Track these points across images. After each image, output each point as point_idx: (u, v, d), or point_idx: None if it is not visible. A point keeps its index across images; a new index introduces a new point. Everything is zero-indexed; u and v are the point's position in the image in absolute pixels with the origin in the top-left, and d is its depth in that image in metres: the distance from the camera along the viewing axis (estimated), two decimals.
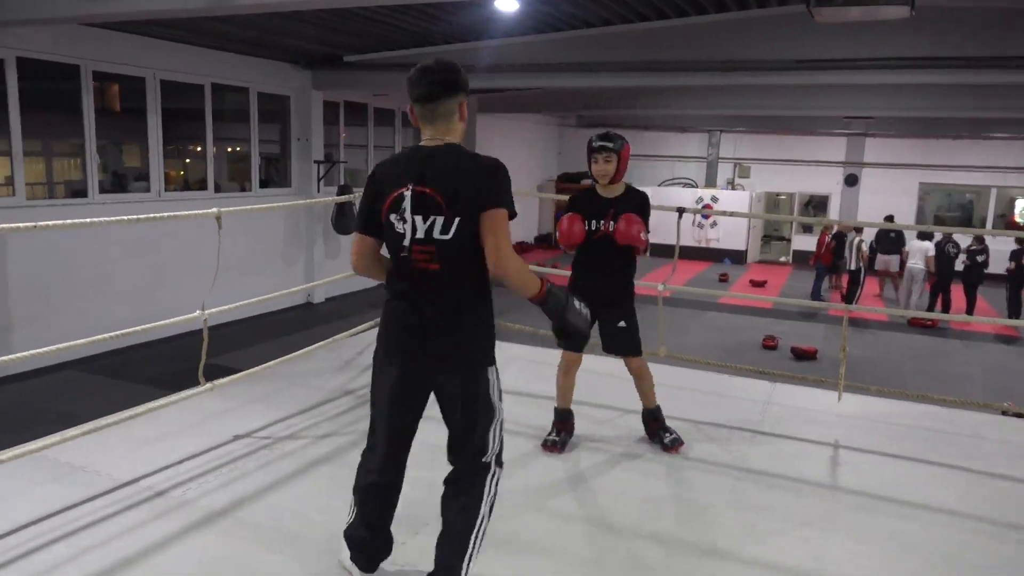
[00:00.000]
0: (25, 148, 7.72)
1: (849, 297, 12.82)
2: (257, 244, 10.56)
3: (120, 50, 8.41)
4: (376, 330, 2.51)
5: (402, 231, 2.32)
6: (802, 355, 9.72)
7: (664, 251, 18.57)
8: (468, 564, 2.38)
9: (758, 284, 15.71)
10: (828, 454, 4.01)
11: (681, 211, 4.72)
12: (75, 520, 2.98)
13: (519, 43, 9.65)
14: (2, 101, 7.42)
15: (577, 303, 2.51)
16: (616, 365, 5.43)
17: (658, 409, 4.00)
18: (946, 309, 12.74)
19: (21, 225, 3.03)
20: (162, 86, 9.03)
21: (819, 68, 9.16)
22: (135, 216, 3.42)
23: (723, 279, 16.14)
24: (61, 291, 7.98)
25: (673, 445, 3.89)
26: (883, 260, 14.21)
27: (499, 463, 2.51)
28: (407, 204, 2.31)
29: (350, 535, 2.63)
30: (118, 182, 9.17)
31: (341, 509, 3.13)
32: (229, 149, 11.14)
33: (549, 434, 3.93)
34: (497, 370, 2.48)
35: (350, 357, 5.35)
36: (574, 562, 2.84)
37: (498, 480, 2.49)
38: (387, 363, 2.44)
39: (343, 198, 7.13)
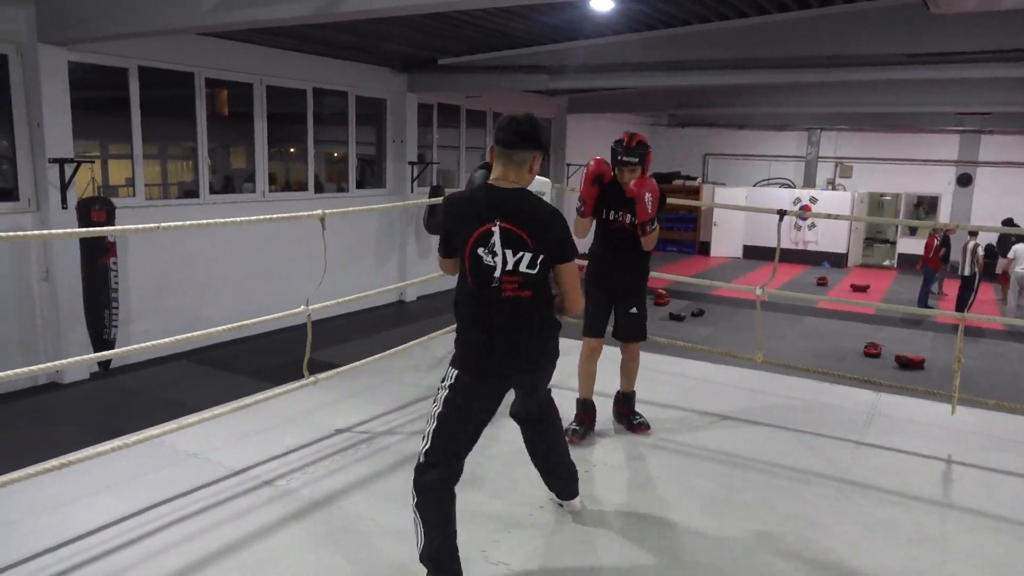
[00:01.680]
0: (144, 152, 8.25)
1: (961, 304, 12.07)
2: (353, 243, 10.91)
3: (231, 58, 8.86)
4: None
5: (492, 264, 2.56)
6: (908, 364, 9.21)
7: (759, 253, 18.15)
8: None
9: (860, 289, 15.00)
10: (940, 469, 3.79)
11: (782, 214, 4.57)
12: (190, 505, 3.16)
13: (612, 42, 9.58)
14: (124, 107, 7.94)
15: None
16: (710, 371, 5.33)
17: (633, 394, 4.23)
18: None
19: (144, 227, 3.24)
20: (267, 91, 9.45)
21: (931, 62, 8.67)
22: (246, 217, 3.60)
23: (822, 283, 15.50)
24: (175, 286, 8.47)
25: (640, 428, 4.11)
26: (1003, 263, 13.32)
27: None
28: (496, 239, 2.55)
29: (438, 557, 2.59)
30: (226, 183, 9.67)
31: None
32: (328, 151, 11.55)
33: (571, 423, 3.98)
34: None
35: (443, 355, 5.45)
36: (666, 571, 2.80)
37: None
38: (479, 381, 2.64)
39: (436, 200, 7.29)
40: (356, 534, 2.98)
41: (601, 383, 4.06)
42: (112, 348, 7.32)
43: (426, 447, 2.62)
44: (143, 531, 2.94)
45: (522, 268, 2.56)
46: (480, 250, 2.54)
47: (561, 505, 3.21)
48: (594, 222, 3.99)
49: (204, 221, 3.64)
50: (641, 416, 4.19)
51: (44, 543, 2.82)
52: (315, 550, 2.86)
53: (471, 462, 3.35)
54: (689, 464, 3.74)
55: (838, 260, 17.97)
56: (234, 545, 2.86)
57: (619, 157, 3.84)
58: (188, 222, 3.50)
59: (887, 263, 18.76)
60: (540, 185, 5.19)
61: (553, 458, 3.10)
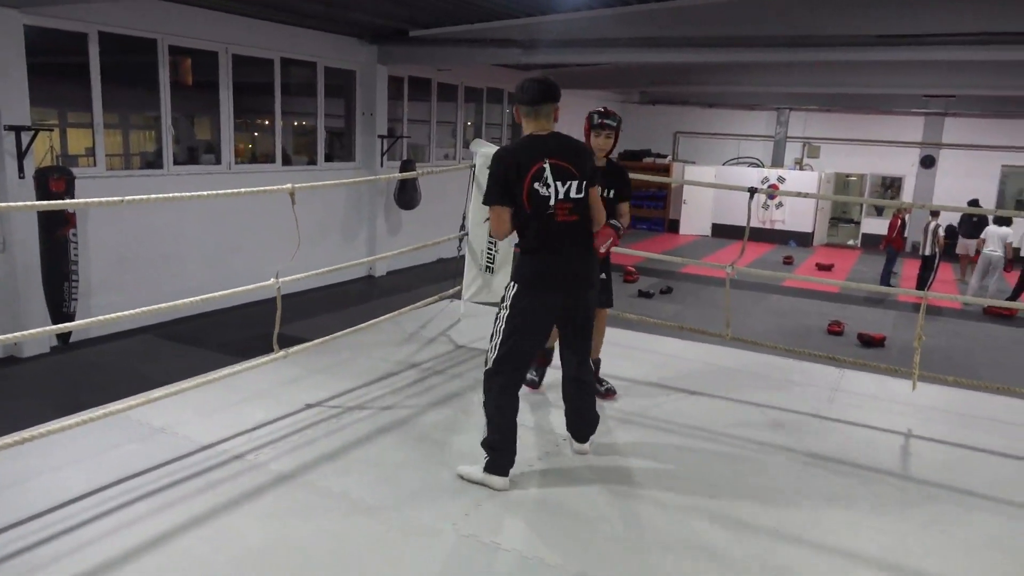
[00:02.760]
0: (105, 120, 8.01)
1: (922, 283, 12.37)
2: (322, 217, 10.77)
3: (195, 25, 8.62)
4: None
5: (546, 195, 3.07)
6: (869, 342, 9.43)
7: (726, 231, 18.34)
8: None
9: (825, 268, 15.27)
10: (900, 443, 3.90)
11: (753, 191, 4.60)
12: (158, 479, 3.12)
13: (585, 17, 9.50)
14: (84, 74, 7.70)
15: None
16: (679, 347, 5.39)
17: (599, 361, 4.40)
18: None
19: (107, 200, 3.15)
20: (233, 60, 9.23)
21: (899, 44, 8.77)
22: (214, 191, 3.52)
23: (788, 262, 15.74)
24: (138, 259, 8.30)
25: (608, 394, 4.29)
26: (964, 244, 13.66)
27: None
28: (548, 174, 3.07)
29: (502, 447, 3.17)
30: (191, 154, 9.45)
31: (406, 477, 3.22)
32: (296, 123, 11.34)
33: (530, 373, 4.25)
34: None
35: (413, 330, 5.43)
36: (631, 540, 2.84)
37: None
38: (547, 295, 3.14)
39: (409, 174, 7.21)
40: (326, 508, 2.97)
41: (607, 367, 4.05)
42: (72, 320, 7.16)
43: (493, 356, 3.15)
44: (109, 506, 2.90)
45: (572, 195, 3.10)
46: (536, 184, 3.05)
47: (573, 446, 3.57)
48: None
49: (171, 195, 3.55)
50: (607, 382, 4.33)
51: (6, 519, 2.76)
52: (285, 523, 2.85)
53: (448, 433, 3.36)
54: (657, 438, 3.79)
55: (804, 239, 18.25)
56: (203, 518, 2.83)
57: (596, 121, 3.98)
58: (153, 196, 3.41)
59: (851, 243, 19.10)
60: (484, 159, 5.15)
61: (585, 404, 3.47)
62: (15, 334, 2.96)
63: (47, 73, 7.72)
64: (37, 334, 3.11)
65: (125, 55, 8.32)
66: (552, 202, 3.06)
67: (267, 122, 10.40)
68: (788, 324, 10.19)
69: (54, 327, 3.28)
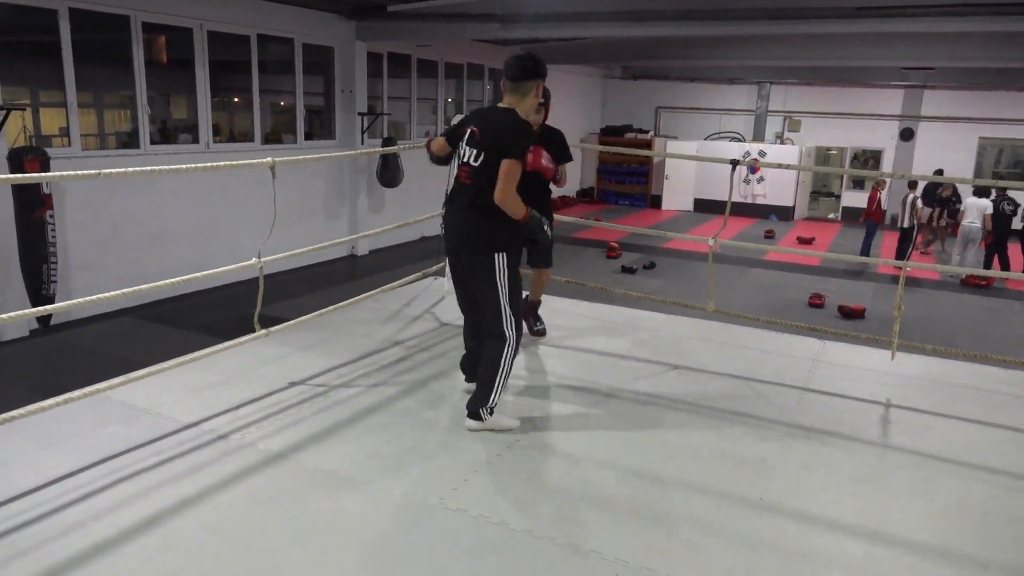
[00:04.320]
0: (78, 100, 7.86)
1: (901, 254, 12.52)
2: (303, 196, 10.67)
3: (168, 1, 8.45)
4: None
5: (462, 157, 3.41)
6: (850, 313, 9.55)
7: (708, 206, 18.41)
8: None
9: (805, 241, 15.40)
10: (880, 413, 3.96)
11: (735, 163, 4.61)
12: (141, 460, 3.10)
13: None
14: (56, 52, 7.54)
15: (545, 224, 3.51)
16: (661, 321, 5.42)
17: (539, 303, 4.88)
18: (1004, 268, 12.34)
19: (83, 173, 3.09)
20: (209, 38, 9.07)
21: (878, 16, 8.79)
22: (194, 165, 3.47)
23: (769, 236, 15.85)
24: (116, 240, 8.20)
25: (541, 333, 4.81)
26: (924, 212, 13.81)
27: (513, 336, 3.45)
28: (466, 139, 3.39)
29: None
30: (167, 133, 9.31)
31: (394, 454, 3.23)
32: (274, 101, 11.19)
33: (537, 325, 4.83)
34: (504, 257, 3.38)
35: (397, 308, 5.42)
36: (620, 512, 2.88)
37: (512, 348, 3.44)
38: (448, 245, 3.56)
39: (388, 149, 7.15)
40: (315, 486, 2.98)
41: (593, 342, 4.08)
42: (51, 303, 7.08)
43: None
44: (93, 487, 2.88)
45: (470, 160, 3.34)
46: (461, 144, 3.42)
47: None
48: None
49: (148, 168, 3.50)
50: (541, 322, 4.86)
51: None
52: (274, 502, 2.85)
53: (434, 410, 3.38)
54: (642, 412, 3.83)
55: (785, 213, 18.36)
56: (190, 499, 2.83)
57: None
58: (130, 168, 3.35)
59: (832, 216, 19.24)
60: None
61: (476, 384, 3.52)
62: None
63: (18, 52, 7.55)
64: (15, 317, 3.06)
65: (97, 32, 8.15)
66: (458, 163, 3.44)
67: (245, 100, 10.25)
68: (770, 297, 10.29)
69: (32, 310, 3.23)
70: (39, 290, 7.13)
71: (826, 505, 2.98)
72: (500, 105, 3.41)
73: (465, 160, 3.37)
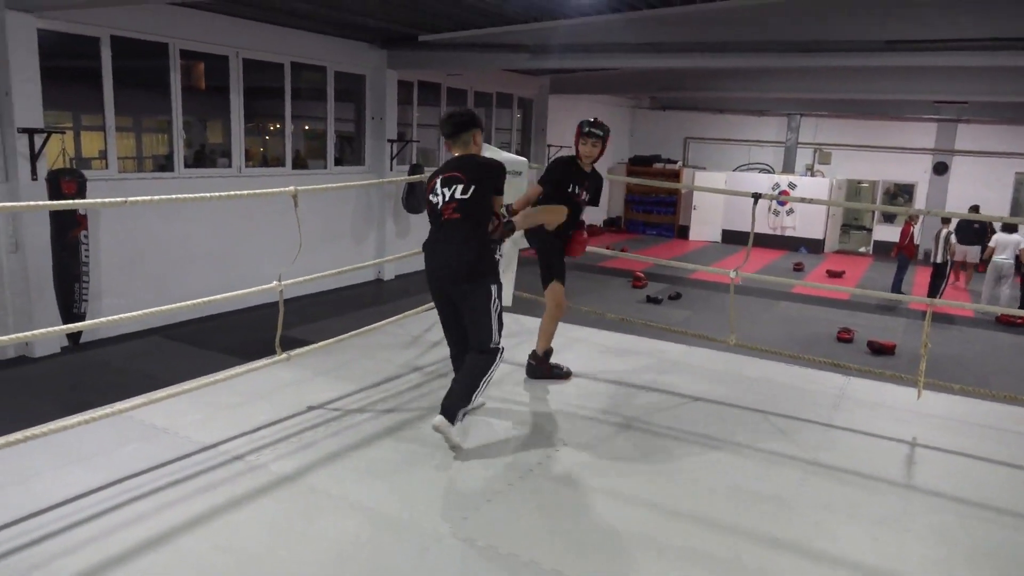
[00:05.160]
0: (117, 124, 8.09)
1: (933, 291, 12.28)
2: (330, 221, 10.81)
3: (206, 29, 8.69)
4: None
5: (436, 201, 3.64)
6: (879, 349, 9.35)
7: (737, 237, 18.27)
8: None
9: (835, 275, 15.17)
10: (904, 452, 3.86)
11: (757, 197, 4.59)
12: (157, 479, 3.14)
13: (595, 22, 9.50)
14: (97, 77, 7.78)
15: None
16: (683, 352, 5.36)
17: (550, 352, 4.68)
18: None
19: (112, 200, 3.18)
20: (244, 65, 9.29)
21: (911, 49, 8.73)
22: (216, 193, 3.54)
23: (798, 268, 15.66)
24: (147, 262, 8.36)
25: (566, 375, 4.65)
26: (962, 251, 13.57)
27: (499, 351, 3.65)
28: (438, 185, 3.64)
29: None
30: (202, 158, 9.52)
31: (406, 481, 3.22)
32: (306, 127, 11.41)
33: (563, 367, 4.64)
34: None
35: (418, 334, 5.44)
36: (632, 546, 2.83)
37: (500, 359, 3.64)
38: (432, 282, 3.72)
39: (415, 177, 7.24)
40: (325, 510, 2.98)
41: (612, 372, 4.05)
42: (83, 321, 7.22)
43: None
44: (110, 504, 2.91)
45: (456, 196, 3.55)
46: (431, 196, 3.67)
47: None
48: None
49: (172, 196, 3.59)
50: (561, 367, 4.69)
51: (8, 516, 2.79)
52: (284, 525, 2.86)
53: (440, 448, 3.36)
54: (659, 444, 3.78)
55: (815, 246, 18.15)
56: (203, 518, 2.85)
57: (585, 129, 4.37)
58: (156, 196, 3.43)
59: (863, 250, 18.98)
60: (518, 164, 5.18)
61: (456, 385, 3.59)
62: (28, 333, 3.00)
63: (61, 77, 7.80)
64: (48, 334, 3.14)
65: (137, 59, 8.40)
66: (440, 205, 3.61)
67: (277, 126, 10.46)
68: (797, 331, 10.14)
69: (63, 327, 3.32)
70: (71, 308, 7.28)
71: (846, 547, 2.90)
72: (459, 155, 3.69)
73: (449, 198, 3.57)
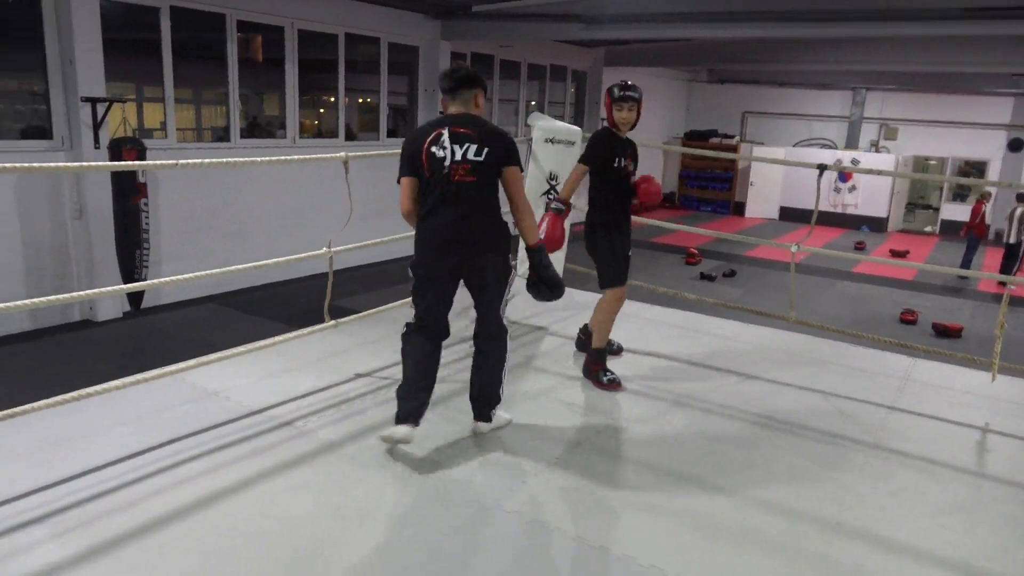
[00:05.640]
0: (177, 95, 8.20)
1: (1005, 271, 11.71)
2: (381, 194, 10.80)
3: (262, 0, 8.72)
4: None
5: (442, 155, 3.03)
6: (945, 332, 8.97)
7: (795, 215, 17.74)
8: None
9: (899, 255, 14.61)
10: (975, 438, 3.66)
11: (822, 168, 4.37)
12: (207, 442, 3.16)
13: None
14: (157, 49, 7.89)
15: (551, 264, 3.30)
16: (739, 329, 5.20)
17: (604, 349, 4.20)
18: None
19: (164, 163, 3.20)
20: (299, 36, 9.32)
21: (988, 17, 8.23)
22: (270, 158, 3.53)
23: (859, 247, 15.13)
24: (205, 230, 8.51)
25: (615, 384, 4.08)
26: None
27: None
28: (445, 138, 3.04)
29: (402, 395, 3.17)
30: (257, 129, 9.62)
31: (453, 451, 3.18)
32: (360, 100, 11.41)
33: (606, 375, 4.04)
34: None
35: (468, 304, 5.37)
36: (683, 526, 2.74)
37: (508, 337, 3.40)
38: (440, 256, 3.12)
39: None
40: (371, 478, 2.96)
41: (664, 347, 3.94)
42: (142, 289, 7.41)
43: (412, 311, 3.25)
44: (160, 465, 2.95)
45: (469, 156, 3.02)
46: (433, 148, 3.04)
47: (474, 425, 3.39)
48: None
49: (223, 160, 3.58)
50: (610, 372, 4.15)
51: (60, 473, 2.84)
52: (331, 493, 2.85)
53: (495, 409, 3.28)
54: (714, 423, 3.65)
55: (878, 225, 17.50)
56: (249, 482, 2.86)
57: (617, 94, 3.97)
58: (207, 160, 3.44)
59: (928, 229, 18.23)
60: (571, 134, 5.05)
61: (483, 386, 3.35)
62: (88, 291, 3.07)
63: (125, 48, 7.93)
64: (111, 292, 3.22)
65: (195, 31, 8.49)
66: (447, 162, 3.03)
67: (332, 99, 10.49)
68: (858, 311, 9.79)
69: (125, 286, 3.44)
70: (132, 274, 7.45)
71: (912, 536, 2.75)
72: (455, 113, 3.15)
73: (460, 158, 3.02)
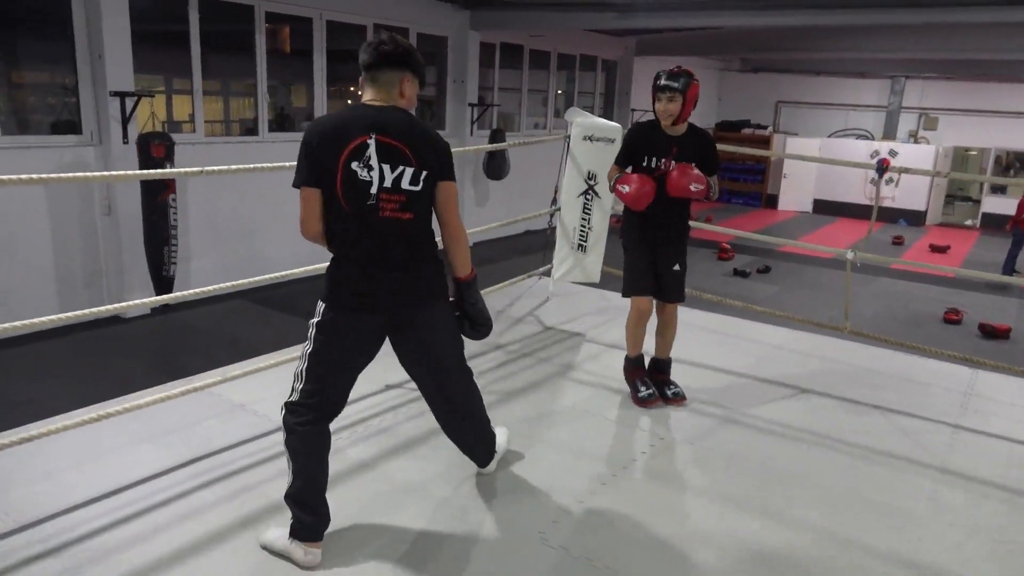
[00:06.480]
0: (205, 88, 8.11)
1: None
2: None
3: None
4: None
5: (368, 179, 2.31)
6: (992, 333, 8.61)
7: (829, 208, 17.31)
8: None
9: (939, 250, 14.16)
10: None
11: (881, 169, 4.11)
12: (233, 461, 3.02)
13: None
14: (184, 41, 7.79)
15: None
16: (784, 336, 4.96)
17: (670, 361, 3.88)
18: None
19: (187, 170, 3.07)
20: (327, 27, 9.18)
21: None
22: (291, 163, 3.37)
23: (897, 242, 14.69)
24: (233, 224, 8.42)
25: (676, 398, 3.78)
26: None
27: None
28: (372, 152, 2.30)
29: (304, 501, 2.44)
30: (286, 121, 9.52)
31: (490, 476, 2.99)
32: None
33: (639, 390, 3.74)
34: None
35: (500, 308, 5.22)
36: (739, 558, 2.55)
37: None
38: (348, 315, 2.43)
39: (497, 146, 6.99)
40: (404, 503, 2.80)
41: (707, 357, 3.76)
42: (171, 284, 7.35)
43: (297, 386, 2.48)
44: (185, 487, 2.82)
45: (404, 185, 2.34)
46: (354, 164, 2.29)
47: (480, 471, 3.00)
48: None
49: (252, 166, 3.44)
50: (677, 385, 3.85)
51: (77, 497, 2.71)
52: (363, 516, 2.70)
53: (525, 438, 3.13)
54: (764, 441, 3.45)
55: (916, 218, 17.01)
56: (277, 507, 2.70)
57: (657, 83, 3.51)
58: (233, 167, 3.30)
59: (969, 223, 17.68)
60: (611, 131, 4.84)
61: (475, 442, 2.87)
62: (128, 303, 2.97)
63: (154, 41, 7.85)
64: (140, 304, 3.10)
65: (224, 22, 8.38)
66: (374, 190, 2.31)
67: (359, 89, 10.35)
68: (899, 310, 9.47)
69: (155, 299, 3.30)
70: (160, 270, 7.40)
71: (987, 572, 2.53)
72: (375, 103, 2.39)
73: (390, 185, 2.32)
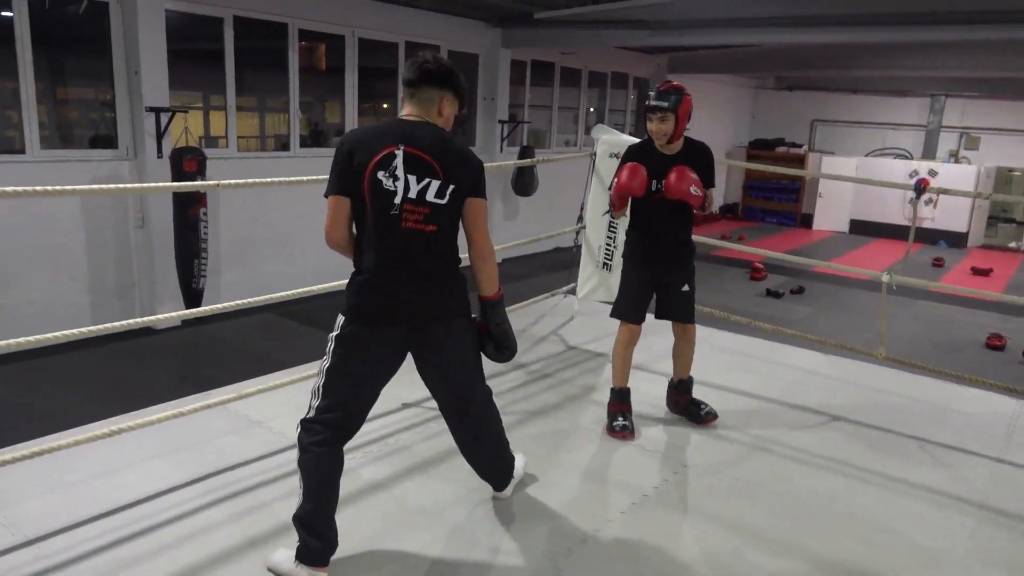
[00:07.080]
0: (239, 104, 8.22)
1: None
2: None
3: (323, 8, 8.69)
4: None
5: (392, 188, 2.31)
6: None
7: (866, 228, 16.96)
8: None
9: (981, 272, 13.76)
10: None
11: (919, 190, 3.96)
12: (248, 477, 2.99)
13: None
14: (219, 58, 7.91)
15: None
16: (817, 361, 4.80)
17: (691, 380, 3.77)
18: None
19: (205, 184, 3.04)
20: (360, 44, 9.26)
21: None
22: (314, 177, 3.35)
23: (937, 264, 14.31)
24: (262, 239, 8.49)
25: (709, 417, 3.68)
26: None
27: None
28: (399, 163, 2.31)
29: (313, 524, 2.37)
30: (319, 137, 9.61)
31: (503, 502, 2.91)
32: None
33: (615, 420, 3.58)
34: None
35: (523, 327, 5.15)
36: None
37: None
38: (367, 327, 2.40)
39: (523, 162, 6.96)
40: (417, 527, 2.73)
41: (737, 381, 3.64)
42: (200, 297, 7.42)
43: (314, 403, 2.43)
44: (192, 505, 2.78)
45: (429, 197, 2.33)
46: (380, 173, 2.31)
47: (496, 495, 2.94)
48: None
49: (264, 180, 3.45)
50: (706, 404, 3.74)
51: (86, 512, 2.69)
52: (374, 540, 2.63)
53: (542, 461, 3.05)
54: (792, 471, 3.31)
55: (957, 240, 16.57)
56: (283, 528, 2.65)
57: (648, 102, 3.41)
58: (249, 179, 3.30)
59: (1013, 245, 17.17)
60: (607, 146, 4.76)
61: (493, 468, 2.84)
62: (163, 315, 2.98)
63: (189, 58, 7.99)
64: (171, 318, 3.12)
65: (258, 40, 8.51)
66: (398, 200, 2.31)
67: (392, 106, 10.42)
68: (938, 334, 9.17)
69: (187, 311, 3.37)
70: (189, 283, 7.47)
71: None
72: (410, 118, 2.41)
73: (415, 196, 2.31)
